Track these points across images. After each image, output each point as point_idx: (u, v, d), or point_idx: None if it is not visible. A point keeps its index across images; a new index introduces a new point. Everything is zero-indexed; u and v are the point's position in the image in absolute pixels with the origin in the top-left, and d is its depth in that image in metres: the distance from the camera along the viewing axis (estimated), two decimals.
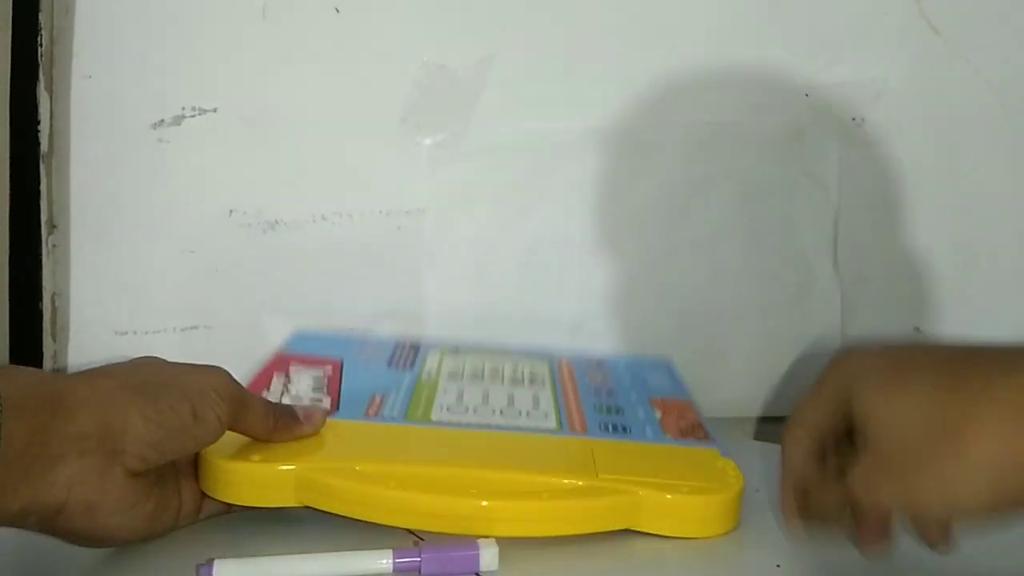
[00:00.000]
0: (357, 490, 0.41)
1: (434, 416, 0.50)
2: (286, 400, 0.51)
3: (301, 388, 0.53)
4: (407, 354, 0.59)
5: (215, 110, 0.64)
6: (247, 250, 0.65)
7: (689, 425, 0.51)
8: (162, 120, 0.64)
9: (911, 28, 0.66)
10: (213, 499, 0.44)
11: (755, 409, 0.67)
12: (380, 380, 0.54)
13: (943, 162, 0.67)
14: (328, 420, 0.47)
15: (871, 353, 0.40)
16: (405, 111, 0.65)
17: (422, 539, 0.41)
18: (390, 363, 0.56)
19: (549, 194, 0.66)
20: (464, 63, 0.65)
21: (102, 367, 0.41)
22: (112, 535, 0.39)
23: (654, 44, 0.65)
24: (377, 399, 0.51)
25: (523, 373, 0.57)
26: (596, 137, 0.66)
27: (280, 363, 0.56)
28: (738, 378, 0.67)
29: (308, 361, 0.55)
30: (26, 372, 0.38)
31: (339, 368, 0.55)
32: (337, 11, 0.64)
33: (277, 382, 0.53)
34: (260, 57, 0.64)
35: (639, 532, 0.42)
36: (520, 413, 0.51)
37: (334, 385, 0.53)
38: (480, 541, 0.39)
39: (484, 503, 0.40)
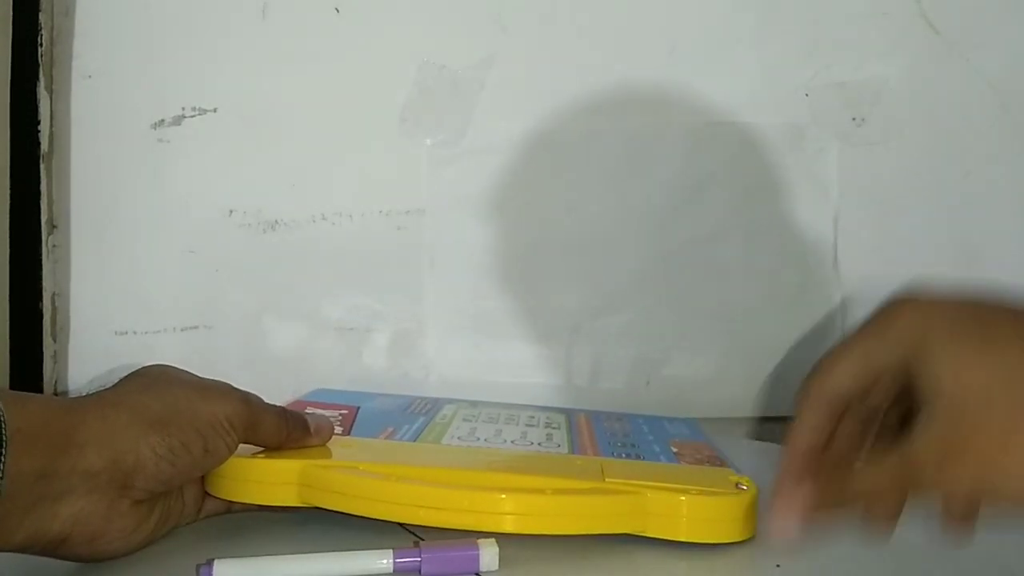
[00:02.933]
0: (360, 484, 0.41)
1: (444, 442, 0.50)
2: None
3: None
4: (424, 405, 0.59)
5: (215, 110, 0.64)
6: (247, 250, 0.65)
7: (706, 457, 0.50)
8: (162, 120, 0.64)
9: (911, 28, 0.66)
10: (213, 499, 0.44)
11: (754, 409, 0.67)
12: (394, 419, 0.54)
13: (943, 162, 0.67)
14: (337, 437, 0.47)
15: (944, 301, 0.34)
16: (405, 111, 0.65)
17: (422, 539, 0.42)
18: (406, 410, 0.57)
19: (549, 194, 0.66)
20: (464, 63, 0.65)
21: (114, 391, 0.40)
22: (114, 555, 0.39)
23: (654, 44, 0.65)
24: (389, 430, 0.51)
25: (539, 420, 0.57)
26: (596, 137, 0.66)
27: (295, 407, 0.56)
28: (737, 378, 0.67)
29: (324, 406, 0.55)
30: (36, 402, 0.37)
31: (355, 411, 0.55)
32: (337, 11, 0.64)
33: None
34: (260, 57, 0.64)
35: (640, 538, 0.42)
36: (532, 443, 0.51)
37: (348, 420, 0.53)
38: (480, 541, 0.39)
39: (488, 496, 0.40)
